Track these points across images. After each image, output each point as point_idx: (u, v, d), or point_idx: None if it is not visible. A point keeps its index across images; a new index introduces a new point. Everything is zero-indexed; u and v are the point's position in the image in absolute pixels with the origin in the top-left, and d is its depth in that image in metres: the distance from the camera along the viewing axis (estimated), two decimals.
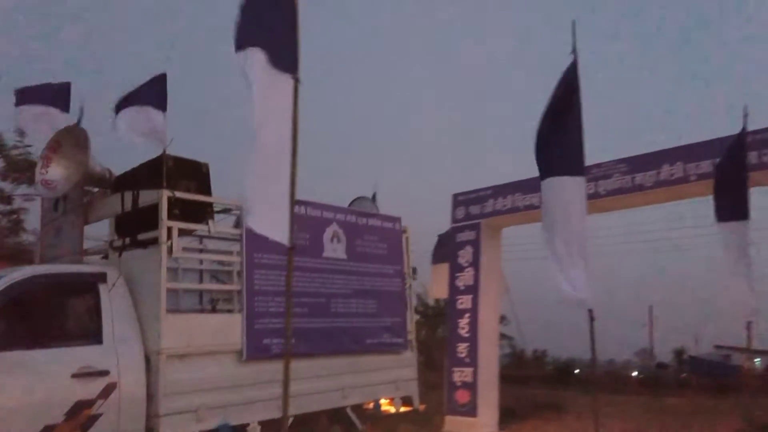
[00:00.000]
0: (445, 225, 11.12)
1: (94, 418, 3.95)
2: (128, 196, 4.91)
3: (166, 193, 4.62)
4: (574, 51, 5.96)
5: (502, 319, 11.24)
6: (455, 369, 10.06)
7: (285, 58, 3.86)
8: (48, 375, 3.86)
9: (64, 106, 6.63)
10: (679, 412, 12.67)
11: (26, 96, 6.65)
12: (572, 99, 5.91)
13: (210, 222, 5.10)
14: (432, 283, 11.62)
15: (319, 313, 5.45)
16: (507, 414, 10.49)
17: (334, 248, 5.72)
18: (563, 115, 5.88)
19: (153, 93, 5.62)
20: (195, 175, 5.12)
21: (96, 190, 5.58)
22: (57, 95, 6.70)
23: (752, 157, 8.31)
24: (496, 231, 11.48)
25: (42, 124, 6.50)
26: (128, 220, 4.93)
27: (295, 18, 4.00)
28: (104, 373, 4.05)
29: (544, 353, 32.56)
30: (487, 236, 10.90)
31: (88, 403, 3.95)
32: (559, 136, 5.87)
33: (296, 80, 3.90)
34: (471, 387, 9.93)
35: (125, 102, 5.65)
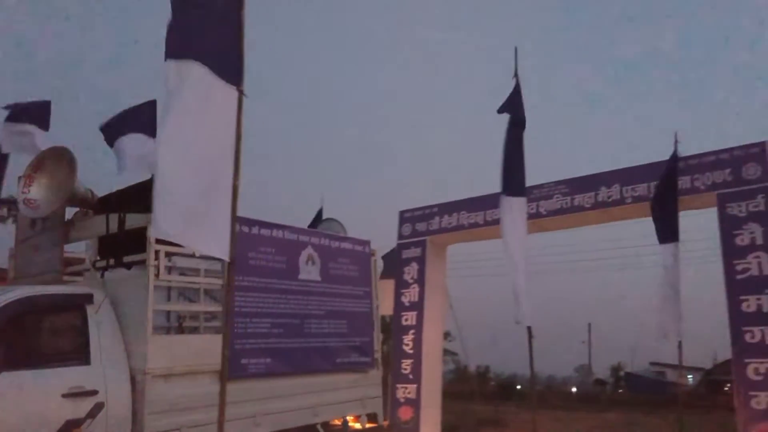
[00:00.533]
0: (391, 240, 11.14)
1: None
2: (114, 218, 4.97)
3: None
4: (516, 75, 6.11)
5: (446, 335, 11.29)
6: (399, 385, 10.09)
7: (229, 70, 3.81)
8: (40, 395, 3.94)
9: (44, 125, 6.65)
10: (615, 427, 12.96)
11: (9, 113, 6.68)
12: (515, 121, 6.06)
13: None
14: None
15: (295, 333, 5.56)
16: (449, 430, 10.51)
17: (309, 270, 5.84)
18: (508, 136, 6.04)
19: (144, 119, 5.76)
20: None
21: (77, 209, 5.55)
22: (38, 113, 6.73)
23: (684, 182, 8.65)
24: (442, 248, 11.62)
25: (23, 142, 6.55)
26: (113, 241, 4.98)
27: (240, 30, 3.97)
28: (93, 392, 4.18)
29: (487, 369, 32.96)
30: (433, 253, 11.03)
31: (77, 422, 4.04)
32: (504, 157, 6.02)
33: (241, 92, 3.85)
34: (414, 403, 9.97)
35: (117, 130, 5.80)
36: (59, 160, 5.15)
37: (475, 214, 11.05)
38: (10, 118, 6.67)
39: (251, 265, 5.22)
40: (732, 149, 8.71)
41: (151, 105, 5.84)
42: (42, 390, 3.94)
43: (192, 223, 3.57)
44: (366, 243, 6.88)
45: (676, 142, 8.03)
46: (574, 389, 31.39)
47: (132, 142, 5.70)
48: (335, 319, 6.04)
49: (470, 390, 18.62)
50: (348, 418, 6.32)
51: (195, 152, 3.62)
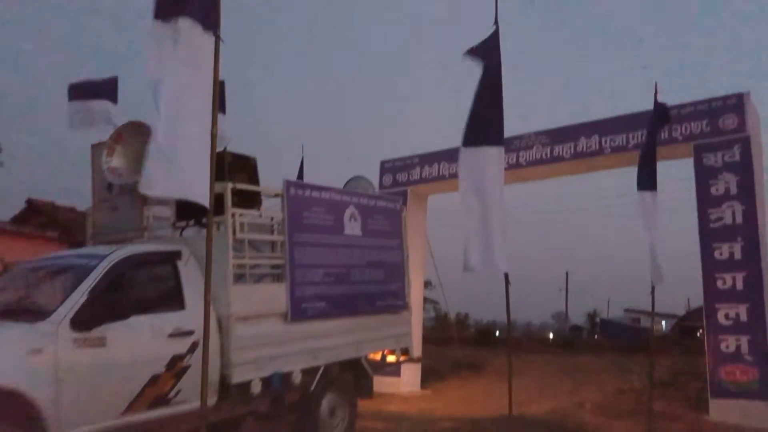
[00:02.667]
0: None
1: (185, 368, 4.82)
2: None
3: (230, 185, 5.42)
4: (496, 22, 5.97)
5: (427, 284, 11.43)
6: None
7: (208, 17, 3.74)
8: (152, 336, 4.71)
9: (114, 99, 7.40)
10: (589, 370, 13.34)
11: (77, 91, 7.36)
12: (492, 70, 5.93)
13: (261, 207, 6.00)
14: None
15: (342, 281, 6.37)
16: (430, 373, 10.77)
17: (352, 227, 6.55)
18: (483, 85, 5.90)
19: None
20: (246, 167, 6.04)
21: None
22: (107, 89, 7.46)
23: (663, 132, 8.69)
24: (423, 198, 11.73)
25: (94, 118, 7.30)
26: (190, 204, 5.44)
27: None
28: (190, 332, 4.87)
29: (466, 316, 33.55)
30: (414, 203, 11.11)
31: (180, 357, 4.79)
32: (479, 107, 5.89)
33: (218, 38, 3.78)
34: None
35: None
36: (137, 133, 5.65)
37: (455, 165, 10.97)
38: (75, 97, 7.30)
39: (306, 224, 5.99)
40: (710, 100, 8.82)
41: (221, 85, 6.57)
42: (154, 332, 4.71)
43: (176, 173, 3.56)
44: (397, 200, 7.67)
45: (656, 92, 7.96)
46: (551, 335, 32.05)
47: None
48: (374, 268, 6.84)
49: (450, 336, 18.93)
50: (385, 351, 7.25)
51: (188, 106, 3.60)
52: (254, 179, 6.09)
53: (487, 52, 6.07)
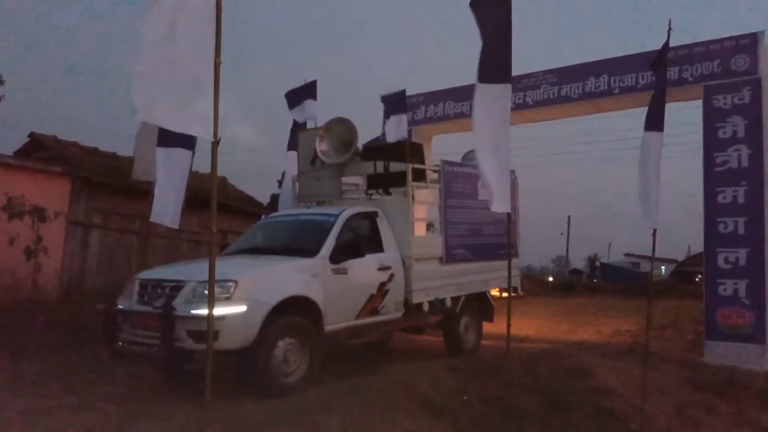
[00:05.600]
0: (373, 128, 11.02)
1: (387, 291, 7.20)
2: (380, 164, 8.06)
3: (410, 166, 7.69)
4: None
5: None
6: None
7: None
8: (370, 268, 7.03)
9: (314, 96, 9.64)
10: (586, 311, 13.65)
11: (291, 98, 9.73)
12: (502, 4, 5.77)
13: (427, 181, 8.13)
14: None
15: (476, 234, 8.85)
16: None
17: (482, 193, 8.48)
18: (493, 20, 5.75)
19: (399, 104, 9.88)
20: (417, 151, 8.09)
21: (348, 156, 8.11)
22: (309, 90, 9.65)
23: (672, 73, 8.49)
24: (427, 139, 11.79)
25: (305, 113, 9.56)
26: (380, 177, 7.86)
27: None
28: (388, 267, 7.31)
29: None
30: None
31: (384, 284, 7.16)
32: (487, 42, 5.74)
33: None
34: None
35: (389, 110, 9.91)
36: (343, 126, 7.74)
37: (461, 104, 11.11)
38: (293, 104, 9.70)
39: (454, 191, 8.38)
40: (722, 40, 8.98)
41: (402, 93, 10.03)
42: (371, 265, 7.07)
43: (179, 108, 3.53)
44: (512, 171, 10.04)
45: (669, 29, 7.70)
46: (550, 279, 32.40)
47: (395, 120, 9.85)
48: (496, 225, 8.82)
49: None
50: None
51: (180, 43, 3.54)
52: (422, 160, 8.54)
53: None
